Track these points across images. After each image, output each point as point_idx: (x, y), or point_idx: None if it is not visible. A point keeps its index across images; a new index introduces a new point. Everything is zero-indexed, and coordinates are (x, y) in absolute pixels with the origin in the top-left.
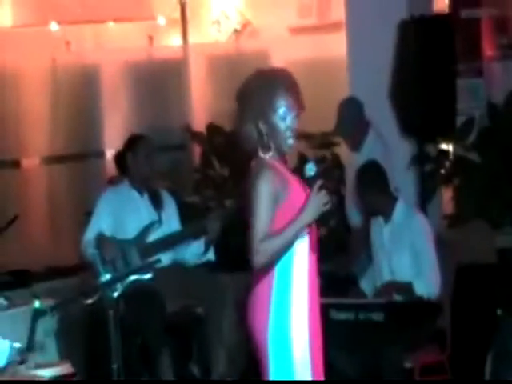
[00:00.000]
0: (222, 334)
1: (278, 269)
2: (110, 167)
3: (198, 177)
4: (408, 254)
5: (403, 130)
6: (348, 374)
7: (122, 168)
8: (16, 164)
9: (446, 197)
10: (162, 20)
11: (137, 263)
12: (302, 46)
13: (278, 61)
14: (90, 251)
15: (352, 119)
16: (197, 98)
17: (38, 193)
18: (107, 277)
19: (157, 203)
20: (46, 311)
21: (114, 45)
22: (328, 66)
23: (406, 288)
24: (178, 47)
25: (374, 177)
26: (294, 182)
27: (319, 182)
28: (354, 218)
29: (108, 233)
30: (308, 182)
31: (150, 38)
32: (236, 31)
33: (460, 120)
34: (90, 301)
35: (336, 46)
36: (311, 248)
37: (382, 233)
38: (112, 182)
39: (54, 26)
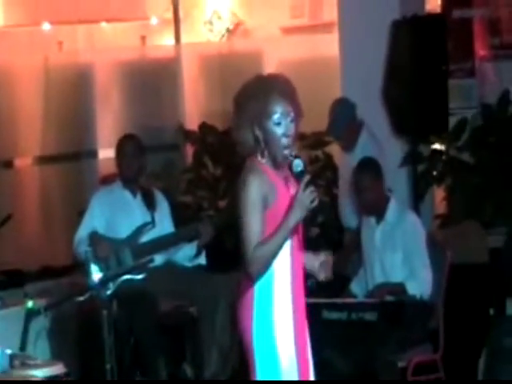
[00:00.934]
0: (215, 333)
1: None
2: (103, 166)
3: (191, 176)
4: (400, 253)
5: (396, 130)
6: (341, 374)
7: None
8: (8, 164)
9: (439, 197)
10: (154, 20)
11: (129, 263)
12: (295, 46)
13: (270, 61)
14: (83, 248)
15: (344, 120)
16: (189, 97)
17: (31, 192)
18: (99, 275)
19: (150, 203)
20: (39, 311)
21: (107, 44)
22: (320, 66)
23: (399, 290)
24: (170, 47)
25: (372, 173)
26: (283, 188)
27: (306, 178)
28: (347, 218)
29: (100, 232)
30: (295, 178)
31: (143, 38)
32: (228, 31)
33: (452, 120)
34: (81, 298)
35: (328, 46)
36: (296, 246)
37: (373, 233)
38: (105, 181)
39: (46, 26)
